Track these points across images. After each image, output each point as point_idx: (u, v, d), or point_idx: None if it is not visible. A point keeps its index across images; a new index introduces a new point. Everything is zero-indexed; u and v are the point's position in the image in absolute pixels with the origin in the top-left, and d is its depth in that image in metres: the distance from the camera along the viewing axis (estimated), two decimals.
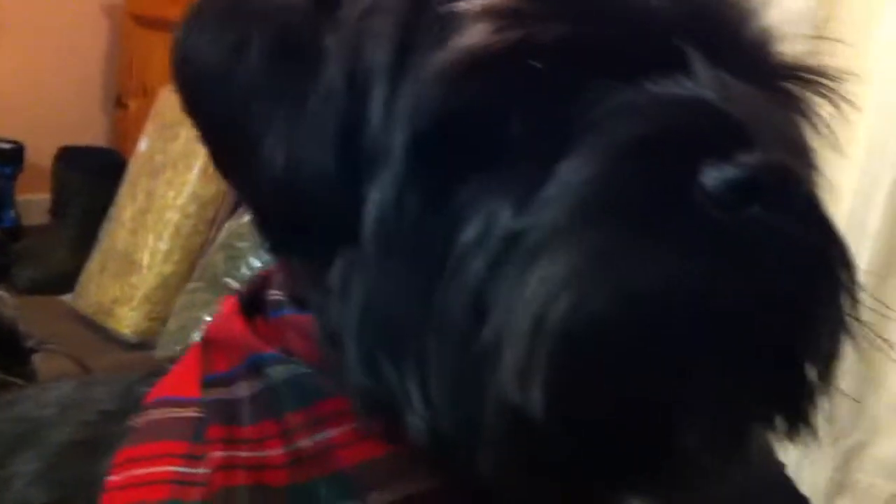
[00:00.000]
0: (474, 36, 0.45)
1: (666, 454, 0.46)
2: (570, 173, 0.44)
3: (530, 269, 0.43)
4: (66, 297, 2.62)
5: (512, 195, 0.45)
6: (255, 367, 0.54)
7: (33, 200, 3.05)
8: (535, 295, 0.42)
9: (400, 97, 0.47)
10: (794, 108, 0.53)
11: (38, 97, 3.04)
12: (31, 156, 3.02)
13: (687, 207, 0.42)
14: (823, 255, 0.46)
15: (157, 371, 0.60)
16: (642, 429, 0.45)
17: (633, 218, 0.42)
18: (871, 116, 1.58)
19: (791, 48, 0.53)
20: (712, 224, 0.42)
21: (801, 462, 1.81)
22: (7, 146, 2.98)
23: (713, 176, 0.42)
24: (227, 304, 0.59)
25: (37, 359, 1.04)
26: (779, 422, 0.48)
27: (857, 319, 0.47)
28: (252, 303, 0.58)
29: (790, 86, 0.53)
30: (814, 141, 0.55)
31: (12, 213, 3.05)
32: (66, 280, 2.63)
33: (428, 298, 0.45)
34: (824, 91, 0.54)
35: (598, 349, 0.43)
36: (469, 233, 0.45)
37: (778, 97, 0.52)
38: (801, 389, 0.47)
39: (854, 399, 1.93)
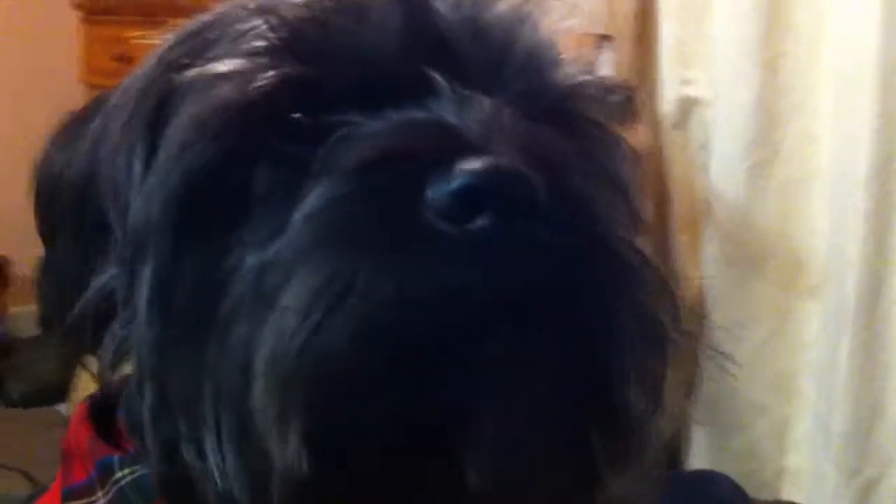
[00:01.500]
0: (212, 97, 0.47)
1: (458, 493, 0.43)
2: (303, 209, 0.44)
3: (269, 310, 0.42)
4: (61, 407, 2.59)
5: (260, 245, 0.45)
6: (105, 473, 0.54)
7: (24, 312, 3.03)
8: (272, 336, 0.41)
9: (151, 174, 0.48)
10: (575, 127, 0.52)
11: (23, 208, 3.05)
12: (18, 268, 3.02)
13: (416, 225, 0.41)
14: (598, 262, 0.43)
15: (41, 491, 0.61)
16: (426, 469, 0.42)
17: (362, 243, 0.42)
18: None
19: (575, 63, 0.53)
20: (444, 239, 0.41)
21: None
22: None
23: (435, 189, 0.41)
24: (79, 410, 0.59)
25: None
26: (598, 448, 0.45)
27: (680, 332, 0.47)
28: (105, 403, 0.58)
29: (570, 104, 0.52)
30: (614, 160, 0.54)
31: (2, 329, 3.03)
32: (60, 390, 2.60)
33: (207, 368, 0.45)
34: (606, 107, 0.54)
35: (347, 386, 0.41)
36: (232, 290, 0.44)
37: (552, 115, 0.50)
38: (608, 410, 0.44)
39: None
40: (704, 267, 2.12)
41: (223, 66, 0.47)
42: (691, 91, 2.12)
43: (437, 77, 0.46)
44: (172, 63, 0.50)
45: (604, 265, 0.44)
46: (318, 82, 0.47)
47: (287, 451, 0.41)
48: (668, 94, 2.13)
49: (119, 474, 0.53)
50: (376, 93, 0.46)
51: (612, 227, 0.46)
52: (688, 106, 2.12)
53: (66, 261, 0.54)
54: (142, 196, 0.48)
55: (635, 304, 0.44)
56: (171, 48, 0.51)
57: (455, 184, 0.41)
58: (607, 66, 2.03)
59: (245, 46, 0.48)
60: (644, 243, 0.49)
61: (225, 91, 0.46)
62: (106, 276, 0.50)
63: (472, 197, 0.40)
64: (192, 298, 0.45)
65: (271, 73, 0.46)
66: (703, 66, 2.10)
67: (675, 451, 2.17)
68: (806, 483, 2.05)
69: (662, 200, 2.12)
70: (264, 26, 0.48)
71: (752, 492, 2.09)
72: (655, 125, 2.12)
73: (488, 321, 0.41)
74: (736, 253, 2.08)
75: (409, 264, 0.41)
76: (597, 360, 0.43)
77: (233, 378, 0.43)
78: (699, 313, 2.10)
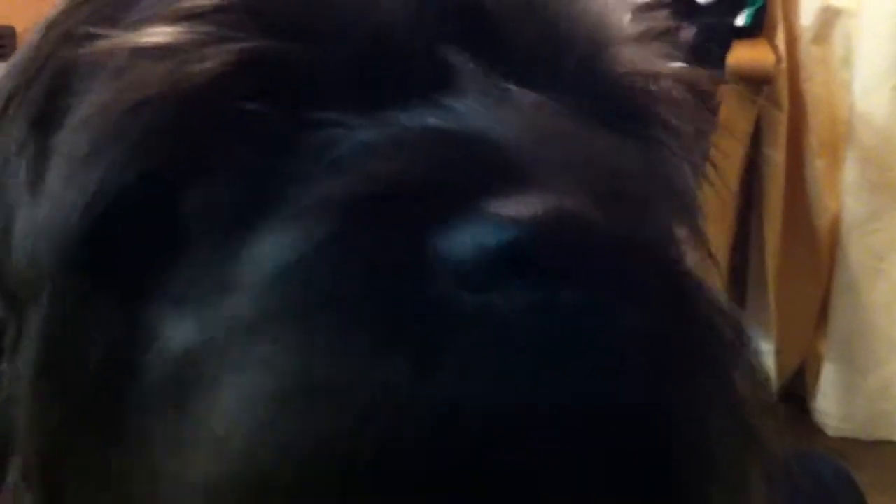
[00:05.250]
0: (131, 83, 0.32)
1: None
2: (257, 261, 0.30)
3: (199, 417, 0.29)
4: None
5: (192, 307, 0.31)
6: None
7: None
8: (204, 461, 0.28)
9: (39, 194, 0.34)
10: (644, 137, 0.38)
11: None
12: None
13: (420, 289, 0.27)
14: (671, 345, 0.30)
15: None
16: None
17: (345, 325, 0.28)
18: None
19: (641, 48, 0.39)
20: (460, 311, 0.27)
21: None
22: None
23: (451, 240, 0.28)
24: None
25: None
26: None
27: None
28: None
29: (636, 104, 0.38)
30: (686, 180, 0.40)
31: None
32: None
33: (113, 481, 0.33)
34: (684, 112, 0.40)
35: None
36: (147, 372, 0.31)
37: (616, 121, 0.36)
38: None
39: None
40: (843, 195, 1.98)
41: (149, 37, 0.33)
42: (834, 0, 1.96)
43: (463, 62, 0.33)
44: (70, 32, 0.35)
45: (697, 359, 0.31)
46: (292, 63, 0.33)
47: None
48: (809, 3, 1.98)
49: None
50: (376, 82, 0.33)
51: (700, 290, 0.32)
52: (829, 17, 1.97)
53: None
54: (26, 224, 0.34)
55: (725, 399, 0.31)
56: (67, 11, 0.36)
57: (477, 235, 0.27)
58: None
59: (183, 6, 0.33)
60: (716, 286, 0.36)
61: (152, 73, 0.32)
62: None
63: (504, 255, 0.27)
64: (96, 374, 0.33)
65: (223, 47, 0.32)
66: None
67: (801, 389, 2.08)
68: None
69: (799, 122, 1.98)
70: None
71: (884, 434, 1.99)
72: (793, 39, 1.97)
73: (518, 452, 0.28)
74: (879, 179, 1.95)
75: (409, 349, 0.27)
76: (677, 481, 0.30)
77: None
78: (832, 247, 1.99)
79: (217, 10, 0.33)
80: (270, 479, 0.27)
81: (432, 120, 0.31)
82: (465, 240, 0.27)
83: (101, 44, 0.33)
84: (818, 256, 2.00)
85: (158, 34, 0.32)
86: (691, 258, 0.38)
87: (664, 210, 0.35)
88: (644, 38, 0.39)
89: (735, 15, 1.77)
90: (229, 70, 0.32)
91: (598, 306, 0.27)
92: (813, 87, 1.98)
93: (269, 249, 0.30)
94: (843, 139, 1.97)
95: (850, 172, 1.97)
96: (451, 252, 0.27)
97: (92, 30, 0.34)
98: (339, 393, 0.27)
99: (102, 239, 0.32)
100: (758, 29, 1.79)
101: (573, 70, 0.35)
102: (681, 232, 0.38)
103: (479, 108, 0.31)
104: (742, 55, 1.64)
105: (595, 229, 0.27)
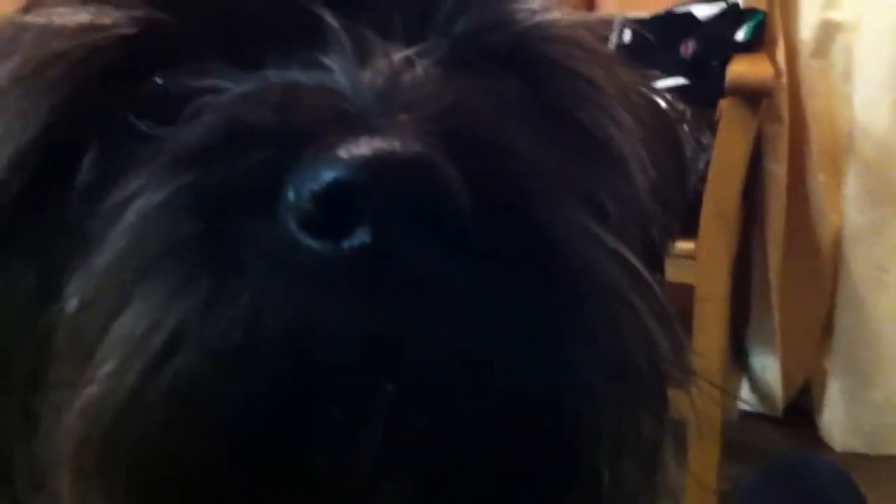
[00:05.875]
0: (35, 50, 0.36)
1: None
2: (124, 219, 0.32)
3: (83, 370, 0.31)
4: None
5: (79, 258, 0.34)
6: None
7: None
8: (79, 410, 0.30)
9: None
10: (543, 82, 0.38)
11: None
12: None
13: (273, 241, 0.29)
14: (555, 292, 0.30)
15: None
16: None
17: (193, 271, 0.29)
18: None
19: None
20: (310, 262, 0.28)
21: None
22: None
23: (297, 185, 0.29)
24: None
25: None
26: None
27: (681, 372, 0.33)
28: None
29: (533, 48, 0.38)
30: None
31: None
32: None
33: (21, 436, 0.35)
34: (589, 51, 0.39)
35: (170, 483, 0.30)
36: (54, 332, 0.34)
37: (509, 66, 0.37)
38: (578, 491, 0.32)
39: None
40: (845, 207, 1.97)
41: (54, 17, 0.37)
42: (834, 14, 1.96)
43: (331, 21, 0.34)
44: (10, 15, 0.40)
45: (563, 297, 0.31)
46: (181, 33, 0.36)
47: None
48: (809, 17, 1.97)
49: None
50: (258, 47, 0.34)
51: (583, 226, 0.32)
52: (829, 31, 1.96)
53: None
54: None
55: (606, 346, 0.32)
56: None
57: (319, 179, 0.28)
58: None
59: None
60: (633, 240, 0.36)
61: (51, 47, 0.36)
62: None
63: (345, 199, 0.28)
64: (8, 334, 0.35)
65: (115, 26, 0.36)
66: None
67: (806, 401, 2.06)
68: None
69: (800, 136, 1.97)
70: None
71: (892, 448, 1.97)
72: (793, 53, 1.96)
73: (364, 386, 0.29)
74: (880, 191, 1.94)
75: (255, 302, 0.28)
76: (548, 428, 0.31)
77: (45, 459, 0.33)
78: (835, 258, 1.99)
79: None
80: (132, 433, 0.30)
81: (296, 75, 0.32)
82: (307, 183, 0.28)
83: (20, 21, 0.37)
84: (821, 270, 1.99)
85: (63, 14, 0.36)
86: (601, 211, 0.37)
87: (545, 151, 0.34)
88: None
89: (735, 30, 1.77)
90: (118, 42, 0.35)
91: (402, 248, 0.28)
92: (813, 101, 1.97)
93: (129, 204, 0.32)
94: (844, 152, 1.96)
95: (852, 185, 1.96)
96: (294, 195, 0.28)
97: (23, 13, 0.38)
98: (177, 334, 0.29)
99: (9, 201, 0.35)
100: (758, 43, 1.78)
101: (447, 20, 0.37)
102: (597, 179, 0.37)
103: (340, 63, 0.32)
104: (742, 69, 1.64)
105: (435, 168, 0.28)
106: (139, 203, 0.31)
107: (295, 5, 0.35)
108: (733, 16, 1.82)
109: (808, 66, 1.97)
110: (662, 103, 0.50)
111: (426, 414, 0.29)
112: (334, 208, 0.28)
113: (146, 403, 0.29)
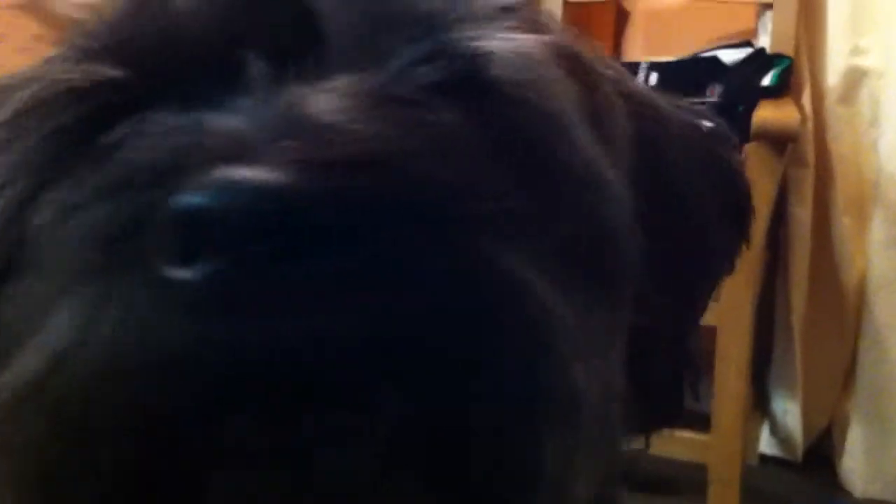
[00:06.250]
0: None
1: None
2: (44, 240, 0.36)
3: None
4: None
5: (26, 275, 0.37)
6: None
7: None
8: None
9: None
10: (492, 108, 0.38)
11: None
12: None
13: (142, 268, 0.31)
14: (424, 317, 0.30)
15: None
16: None
17: (78, 285, 0.33)
18: None
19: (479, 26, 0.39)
20: (168, 286, 0.30)
21: None
22: None
23: (161, 216, 0.31)
24: None
25: None
26: None
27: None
28: None
29: (486, 73, 0.39)
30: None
31: None
32: None
33: None
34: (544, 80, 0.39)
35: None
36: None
37: (462, 92, 0.37)
38: None
39: None
40: (870, 253, 1.97)
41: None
42: (861, 61, 1.96)
43: (251, 60, 0.36)
44: None
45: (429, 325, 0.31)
46: (137, 84, 0.39)
47: None
48: (836, 63, 1.98)
49: None
50: (196, 89, 0.37)
51: (487, 256, 0.32)
52: (856, 77, 1.97)
53: None
54: None
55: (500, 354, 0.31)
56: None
57: (172, 209, 0.30)
58: (766, 35, 1.90)
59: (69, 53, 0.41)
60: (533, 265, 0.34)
61: (25, 92, 0.40)
62: None
63: (195, 227, 0.29)
64: None
65: (79, 74, 0.39)
66: (877, 34, 1.94)
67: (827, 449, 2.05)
68: None
69: (825, 181, 1.98)
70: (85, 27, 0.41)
71: None
72: (819, 99, 1.97)
73: (222, 407, 0.30)
74: None
75: (119, 331, 0.31)
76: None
77: None
78: (860, 304, 1.99)
79: (81, 49, 0.40)
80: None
81: (203, 117, 0.35)
82: (162, 212, 0.31)
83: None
84: (845, 315, 1.99)
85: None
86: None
87: (472, 178, 0.34)
88: (485, 16, 0.40)
89: (762, 75, 1.78)
90: (80, 91, 0.39)
91: (259, 271, 0.29)
92: (839, 147, 1.97)
93: (49, 232, 0.36)
94: (870, 198, 1.96)
95: (878, 231, 1.95)
96: (160, 217, 0.31)
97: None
98: (57, 356, 0.32)
99: None
100: (784, 89, 1.79)
101: (389, 50, 0.38)
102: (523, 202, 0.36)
103: (245, 102, 0.35)
104: (768, 114, 1.65)
105: (277, 194, 0.29)
106: (45, 235, 0.36)
107: (226, 50, 0.37)
108: (760, 61, 1.83)
109: (835, 112, 1.97)
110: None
111: (293, 442, 0.30)
112: (188, 236, 0.30)
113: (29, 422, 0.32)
